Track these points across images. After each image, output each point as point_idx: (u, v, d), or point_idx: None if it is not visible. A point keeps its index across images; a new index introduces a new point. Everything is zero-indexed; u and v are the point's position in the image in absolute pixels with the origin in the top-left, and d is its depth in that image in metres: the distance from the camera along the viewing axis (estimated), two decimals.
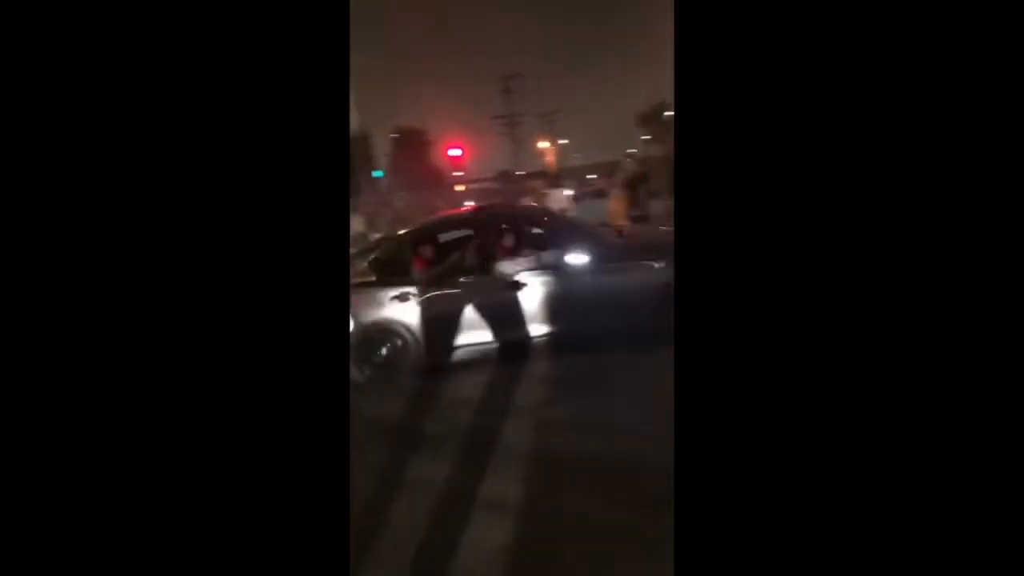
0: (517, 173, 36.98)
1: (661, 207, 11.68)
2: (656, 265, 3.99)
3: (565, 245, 4.16)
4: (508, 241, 4.31)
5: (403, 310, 4.03)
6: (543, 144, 40.35)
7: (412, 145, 44.04)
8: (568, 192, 11.94)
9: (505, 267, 4.14)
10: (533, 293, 4.07)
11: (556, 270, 4.11)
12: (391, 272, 4.22)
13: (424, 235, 4.52)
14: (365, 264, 4.33)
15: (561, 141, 46.39)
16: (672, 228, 2.74)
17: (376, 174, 28.59)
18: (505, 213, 5.22)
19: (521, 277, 4.09)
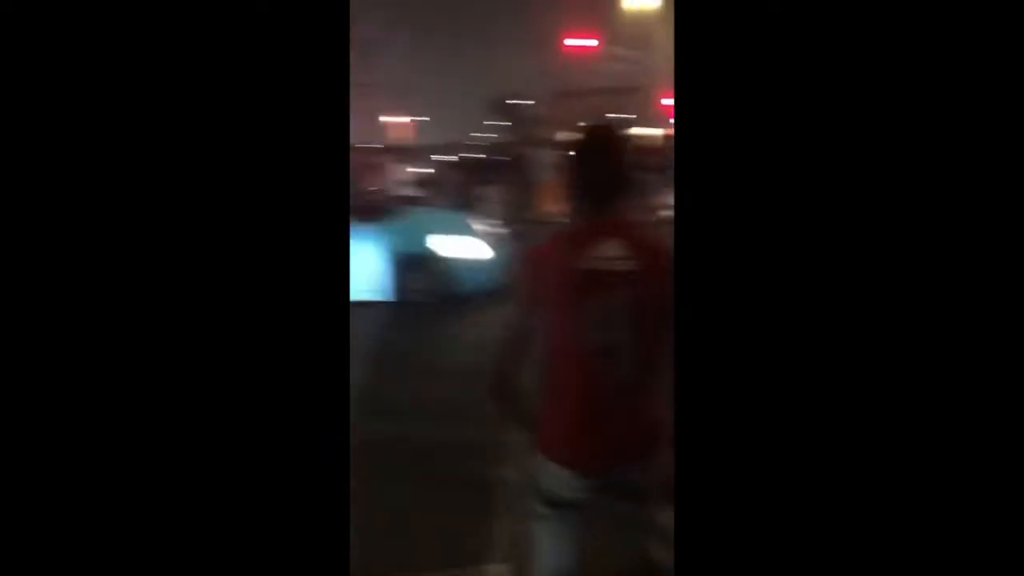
0: (358, 146, 35.96)
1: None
2: None
3: None
4: None
5: None
6: (385, 119, 39.53)
7: None
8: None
9: None
10: None
11: None
12: None
13: None
14: None
15: (417, 119, 45.80)
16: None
17: None
18: None
19: None
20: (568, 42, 21.17)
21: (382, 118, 39.80)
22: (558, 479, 1.40)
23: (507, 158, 12.72)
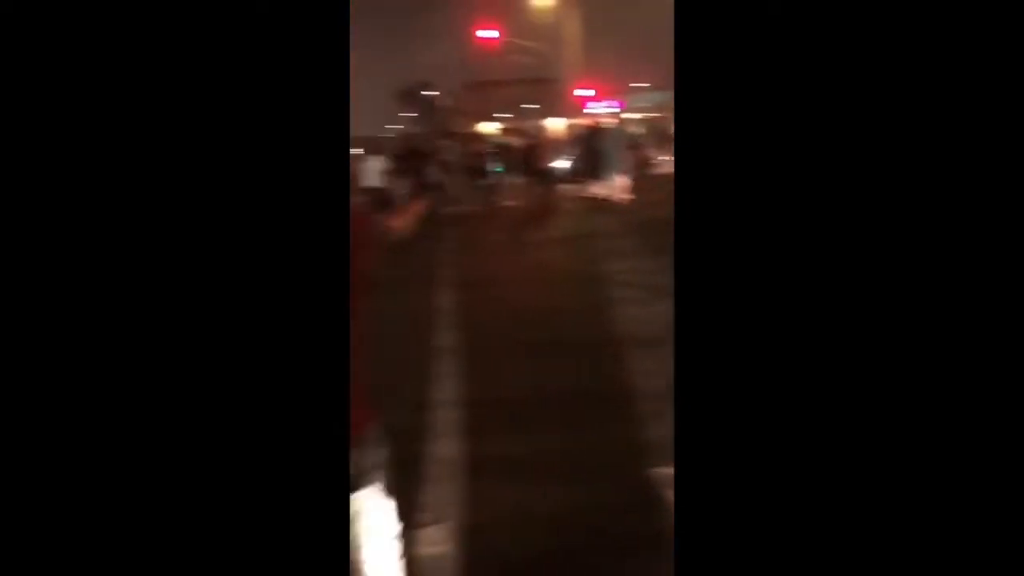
0: None
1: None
2: None
3: None
4: None
5: None
6: None
7: None
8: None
9: None
10: None
11: None
12: None
13: None
14: None
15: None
16: None
17: None
18: None
19: None
20: (480, 34, 21.63)
21: None
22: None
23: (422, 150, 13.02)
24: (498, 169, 13.22)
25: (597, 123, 13.80)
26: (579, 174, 12.69)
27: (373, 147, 14.25)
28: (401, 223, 1.85)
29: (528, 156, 12.46)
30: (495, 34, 21.66)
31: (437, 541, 2.19)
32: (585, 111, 26.00)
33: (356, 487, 1.51)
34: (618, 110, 27.96)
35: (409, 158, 10.14)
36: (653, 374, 3.34)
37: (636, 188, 11.10)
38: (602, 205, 10.81)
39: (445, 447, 2.85)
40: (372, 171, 11.60)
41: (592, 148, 11.79)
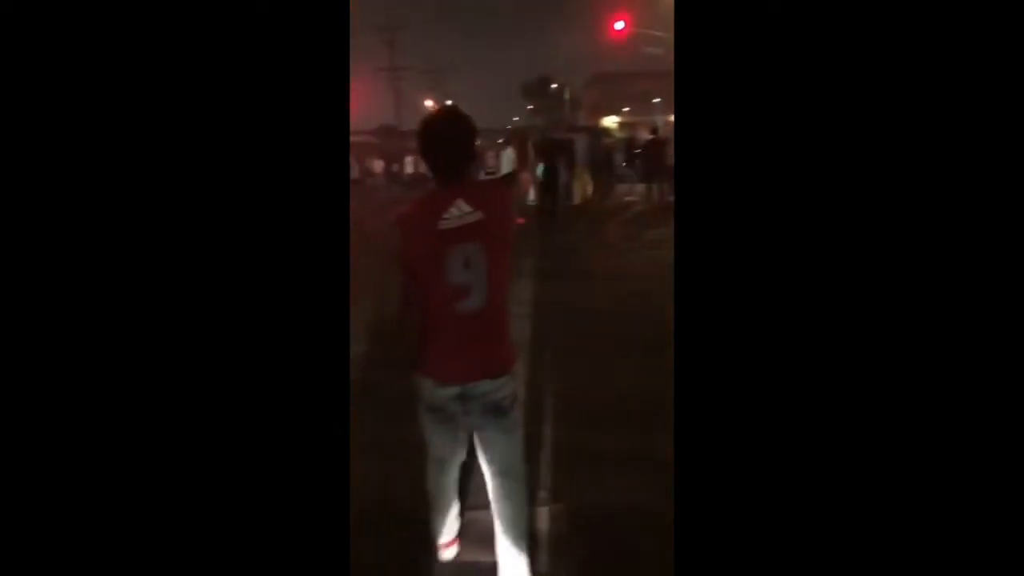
0: (401, 129, 36.18)
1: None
2: None
3: None
4: None
5: None
6: (429, 102, 39.60)
7: None
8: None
9: None
10: None
11: None
12: None
13: None
14: None
15: (447, 103, 45.43)
16: None
17: None
18: None
19: None
20: (616, 26, 21.43)
21: (428, 102, 39.86)
22: (431, 391, 1.71)
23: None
24: (623, 164, 13.05)
25: None
26: None
27: (511, 138, 14.53)
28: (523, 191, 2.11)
29: (652, 151, 12.29)
30: (623, 25, 21.34)
31: (555, 519, 2.29)
32: None
33: (508, 411, 1.73)
34: None
35: (541, 150, 10.33)
36: None
37: None
38: None
39: (561, 433, 2.95)
40: (508, 159, 11.94)
41: None
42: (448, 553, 2.08)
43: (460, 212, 1.59)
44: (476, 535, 2.15)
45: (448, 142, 1.63)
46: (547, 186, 10.04)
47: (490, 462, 1.81)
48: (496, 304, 1.66)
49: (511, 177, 2.04)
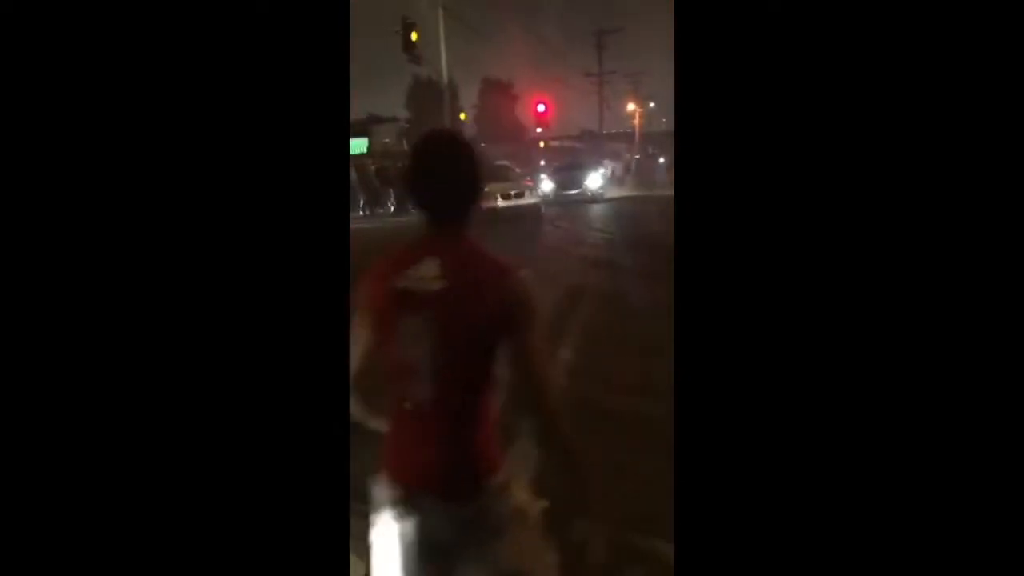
0: (604, 132, 35.87)
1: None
2: None
3: None
4: None
5: None
6: (631, 106, 39.35)
7: (498, 96, 42.82)
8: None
9: None
10: None
11: None
12: None
13: None
14: None
15: (650, 104, 44.65)
16: None
17: (462, 117, 28.57)
18: None
19: None
20: None
21: (629, 106, 39.49)
22: (390, 491, 1.30)
23: None
24: None
25: None
26: None
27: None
28: None
29: None
30: None
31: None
32: None
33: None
34: None
35: None
36: None
37: None
38: None
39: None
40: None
41: None
42: None
43: (420, 274, 1.24)
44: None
45: (437, 175, 1.27)
46: None
47: None
48: (458, 403, 1.26)
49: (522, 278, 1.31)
